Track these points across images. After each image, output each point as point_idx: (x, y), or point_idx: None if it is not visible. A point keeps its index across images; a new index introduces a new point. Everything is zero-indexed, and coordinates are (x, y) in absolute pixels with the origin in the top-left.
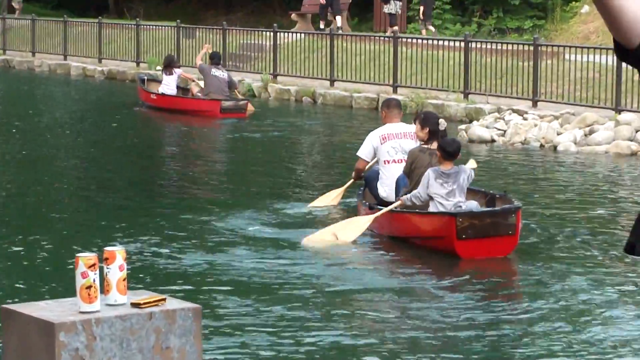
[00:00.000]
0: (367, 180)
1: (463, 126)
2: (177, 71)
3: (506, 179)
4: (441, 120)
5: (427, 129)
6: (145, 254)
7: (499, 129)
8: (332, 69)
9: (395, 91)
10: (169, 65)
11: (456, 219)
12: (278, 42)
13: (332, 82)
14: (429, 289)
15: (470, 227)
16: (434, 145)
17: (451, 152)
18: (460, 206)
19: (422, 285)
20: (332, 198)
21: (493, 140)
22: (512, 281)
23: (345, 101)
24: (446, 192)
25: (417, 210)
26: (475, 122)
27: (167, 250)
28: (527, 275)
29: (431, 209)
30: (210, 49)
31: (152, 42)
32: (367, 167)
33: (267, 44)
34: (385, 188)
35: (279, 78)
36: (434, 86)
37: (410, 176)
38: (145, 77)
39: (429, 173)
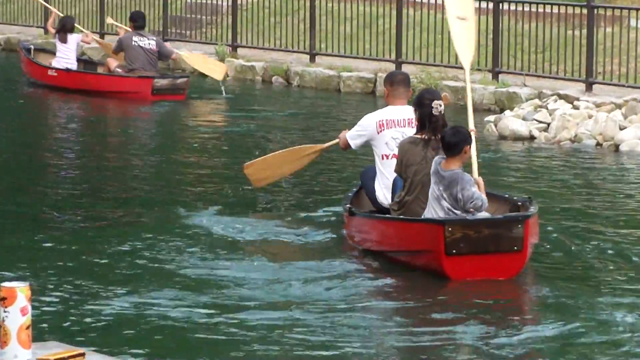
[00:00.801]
0: (363, 179)
1: (491, 117)
2: (75, 37)
3: (550, 191)
4: (435, 103)
5: (418, 113)
6: (55, 292)
7: (540, 122)
8: (313, 38)
9: (398, 69)
10: (64, 29)
11: (444, 228)
12: (239, 1)
13: (312, 56)
14: (407, 324)
15: (463, 240)
16: (431, 135)
17: (447, 144)
18: (456, 214)
19: (397, 316)
20: (297, 157)
21: (532, 137)
22: (518, 311)
23: (331, 83)
24: (435, 197)
25: (396, 216)
26: (507, 112)
27: (86, 286)
28: (537, 303)
29: (426, 213)
30: (57, 16)
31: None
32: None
33: (224, 3)
34: (385, 191)
35: (240, 51)
36: (451, 63)
37: (404, 176)
38: (32, 47)
39: (435, 159)
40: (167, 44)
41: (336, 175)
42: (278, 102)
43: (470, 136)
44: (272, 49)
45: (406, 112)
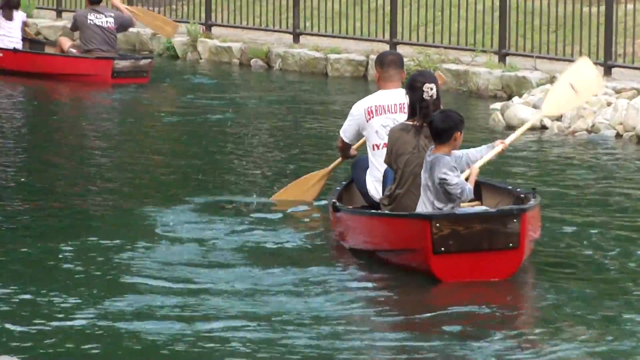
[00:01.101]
0: (354, 171)
1: (497, 105)
2: (21, 15)
3: (563, 187)
4: (427, 86)
5: (409, 98)
6: (6, 303)
7: None
8: (297, 16)
9: (393, 50)
10: (9, 4)
11: (431, 224)
12: None
13: (296, 36)
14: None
15: (452, 237)
16: (422, 122)
17: (435, 130)
18: (439, 208)
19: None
20: (307, 188)
21: (543, 127)
22: (516, 316)
23: (317, 66)
24: (423, 188)
25: (379, 212)
26: (516, 99)
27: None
28: (538, 307)
29: (418, 207)
30: None
31: None
32: (356, 145)
33: None
34: (377, 184)
35: (215, 30)
36: (453, 43)
37: (394, 167)
38: None
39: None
40: (123, 8)
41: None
42: (257, 87)
43: (462, 121)
44: (251, 28)
45: (398, 97)
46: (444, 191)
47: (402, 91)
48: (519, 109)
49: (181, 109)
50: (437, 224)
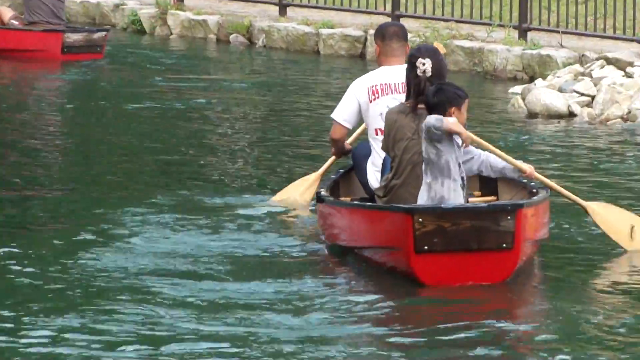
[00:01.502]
0: (354, 157)
1: (518, 88)
2: None
3: (594, 185)
4: (420, 61)
5: (406, 76)
6: None
7: (582, 94)
8: None
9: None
10: None
11: (413, 218)
12: None
13: (283, 7)
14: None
15: (437, 233)
16: (414, 102)
17: (427, 105)
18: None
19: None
20: (302, 189)
21: (571, 114)
22: (512, 329)
23: (307, 42)
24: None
25: (360, 203)
26: (539, 82)
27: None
28: (537, 317)
29: (419, 200)
30: None
31: None
32: (352, 138)
33: None
34: (377, 174)
35: (188, 1)
36: (466, 16)
37: (392, 155)
38: None
39: None
40: None
41: (315, 155)
42: (237, 68)
43: (460, 96)
44: None
45: (403, 74)
46: (434, 150)
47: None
48: (543, 93)
49: (147, 93)
50: (420, 219)
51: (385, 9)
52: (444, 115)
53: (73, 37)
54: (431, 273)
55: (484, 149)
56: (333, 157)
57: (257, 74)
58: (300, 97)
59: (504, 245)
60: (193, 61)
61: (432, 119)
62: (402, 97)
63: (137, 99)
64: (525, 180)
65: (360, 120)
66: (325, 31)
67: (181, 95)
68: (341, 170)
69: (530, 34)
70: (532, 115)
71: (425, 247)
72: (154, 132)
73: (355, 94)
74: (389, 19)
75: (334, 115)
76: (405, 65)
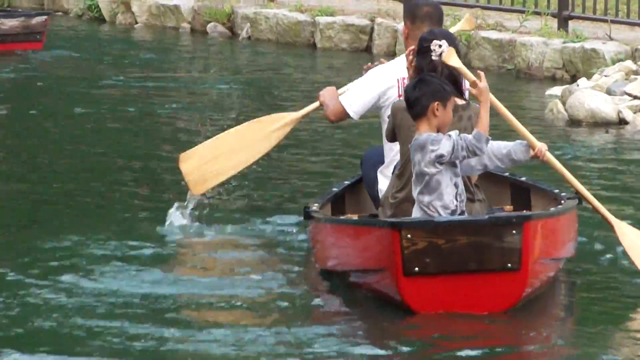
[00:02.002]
0: (364, 166)
1: (556, 89)
2: None
3: None
4: (437, 43)
5: (416, 64)
6: None
7: (636, 96)
8: None
9: None
10: None
11: (401, 234)
12: None
13: None
14: None
15: (429, 252)
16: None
17: (406, 101)
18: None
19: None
20: (256, 138)
21: (622, 122)
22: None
23: (301, 33)
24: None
25: (345, 218)
26: (582, 82)
27: None
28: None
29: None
30: None
31: None
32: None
33: None
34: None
35: None
36: (494, 2)
37: (397, 164)
38: None
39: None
40: None
41: (322, 166)
42: (215, 65)
43: (444, 89)
44: None
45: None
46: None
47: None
48: (587, 96)
49: (101, 95)
50: (409, 235)
51: None
52: (426, 113)
53: (8, 24)
54: (423, 299)
55: (496, 110)
56: (317, 105)
57: (239, 73)
58: (293, 101)
59: (509, 265)
60: (162, 56)
61: (482, 139)
62: None
63: (86, 102)
64: (557, 191)
65: (369, 113)
66: (323, 19)
67: (145, 98)
68: (346, 182)
69: (572, 24)
70: (574, 122)
71: (416, 269)
72: (108, 144)
73: (378, 85)
74: (399, 5)
75: (344, 101)
76: None
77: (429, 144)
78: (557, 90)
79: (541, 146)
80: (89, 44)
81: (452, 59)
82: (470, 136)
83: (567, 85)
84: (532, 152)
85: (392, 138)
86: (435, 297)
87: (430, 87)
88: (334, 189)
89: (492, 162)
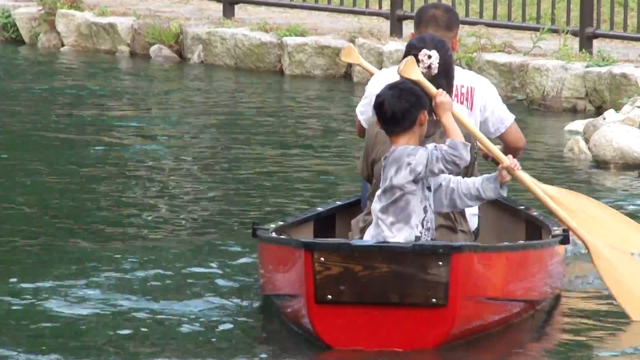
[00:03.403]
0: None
1: (578, 123)
2: None
3: None
4: (425, 53)
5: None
6: None
7: None
8: None
9: (397, 26)
10: None
11: (313, 256)
12: None
13: (229, 5)
14: None
15: (344, 279)
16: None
17: (389, 114)
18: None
19: None
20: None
21: None
22: None
23: (266, 57)
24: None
25: (271, 236)
26: (610, 114)
27: None
28: None
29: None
30: None
31: None
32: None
33: None
34: None
35: None
36: (502, 17)
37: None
38: None
39: None
40: None
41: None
42: (159, 96)
43: (422, 95)
44: None
45: None
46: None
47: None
48: (616, 132)
49: (22, 135)
50: (322, 258)
51: (380, 6)
52: (414, 123)
53: None
54: (336, 332)
55: (459, 122)
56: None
57: (189, 106)
58: (255, 143)
59: (434, 300)
60: (93, 86)
61: (458, 145)
62: None
63: (9, 146)
64: (522, 207)
65: None
66: (291, 40)
67: (71, 142)
68: (338, 202)
69: (597, 43)
70: (599, 164)
71: (329, 297)
72: (16, 200)
73: (373, 92)
74: (387, 22)
75: (358, 112)
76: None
77: (404, 157)
78: (578, 125)
79: (510, 163)
80: (6, 74)
81: (411, 72)
82: (444, 146)
83: (591, 119)
84: (500, 177)
85: (368, 177)
86: (351, 329)
87: (414, 94)
88: (319, 209)
89: (462, 202)
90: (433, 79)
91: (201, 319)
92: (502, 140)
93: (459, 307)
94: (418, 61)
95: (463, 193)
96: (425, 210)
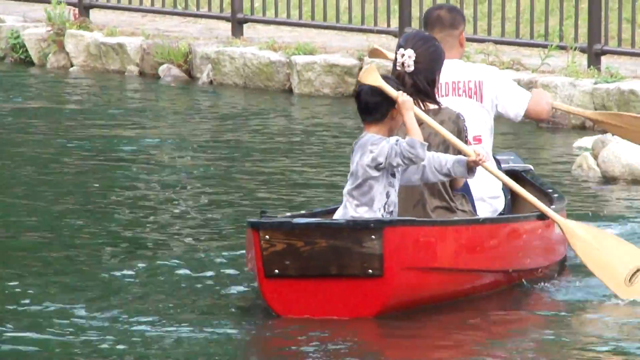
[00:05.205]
0: None
1: (587, 140)
2: None
3: None
4: (401, 52)
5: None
6: None
7: None
8: None
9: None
10: None
11: (260, 235)
12: None
13: (237, 24)
14: None
15: (288, 254)
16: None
17: (362, 103)
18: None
19: None
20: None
21: None
22: None
23: (275, 76)
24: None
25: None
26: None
27: None
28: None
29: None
30: None
31: None
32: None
33: None
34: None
35: (96, 15)
36: (509, 34)
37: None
38: None
39: None
40: None
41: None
42: (168, 116)
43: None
44: (158, 12)
45: (449, 72)
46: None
47: (458, 63)
48: (625, 149)
49: (28, 157)
50: (267, 236)
51: (389, 25)
52: (385, 116)
53: None
54: (284, 302)
55: (421, 120)
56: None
57: (198, 126)
58: (265, 162)
59: (370, 271)
60: (102, 106)
61: (416, 144)
62: (446, 100)
63: (15, 168)
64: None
65: None
66: (300, 59)
67: (80, 162)
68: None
69: (605, 60)
70: (608, 180)
71: (276, 271)
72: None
73: None
74: (393, 39)
75: None
76: (455, 61)
77: (369, 145)
78: (587, 141)
79: (475, 157)
80: (12, 93)
81: (370, 78)
82: (404, 142)
83: (600, 135)
84: (469, 158)
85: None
86: (297, 300)
87: (381, 95)
88: (317, 210)
89: (435, 176)
90: (410, 75)
91: (202, 329)
92: (528, 119)
93: (396, 277)
94: (396, 60)
95: (435, 168)
96: (387, 195)
